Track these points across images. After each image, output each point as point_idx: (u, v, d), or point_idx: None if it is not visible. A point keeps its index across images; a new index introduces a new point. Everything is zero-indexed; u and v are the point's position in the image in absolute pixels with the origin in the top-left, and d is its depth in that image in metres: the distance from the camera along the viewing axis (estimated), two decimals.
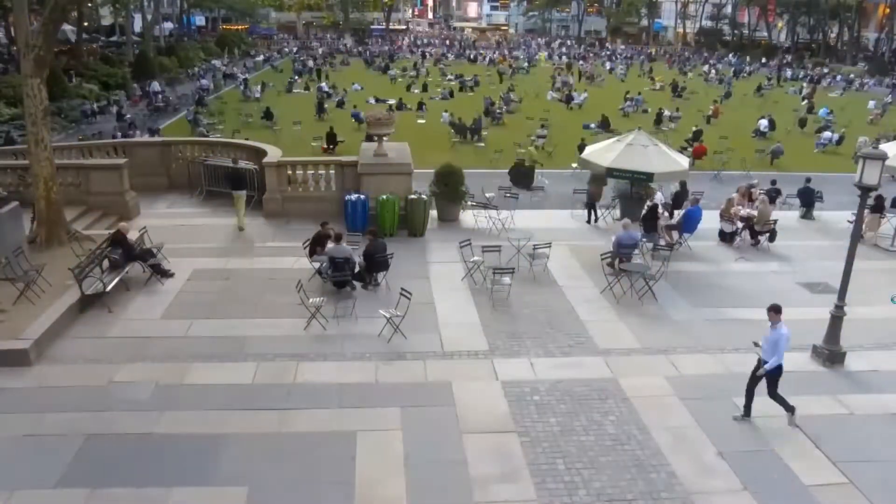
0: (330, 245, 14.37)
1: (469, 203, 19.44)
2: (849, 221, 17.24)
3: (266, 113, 34.91)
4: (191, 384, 10.82)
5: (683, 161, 18.64)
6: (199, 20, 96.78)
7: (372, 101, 41.51)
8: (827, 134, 33.59)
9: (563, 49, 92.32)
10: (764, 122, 35.46)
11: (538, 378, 11.18)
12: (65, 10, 17.46)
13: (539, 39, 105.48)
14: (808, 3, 78.35)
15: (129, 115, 35.00)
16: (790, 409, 10.12)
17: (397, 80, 56.01)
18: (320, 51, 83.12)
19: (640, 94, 45.35)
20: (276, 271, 15.08)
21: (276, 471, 8.87)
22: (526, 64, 71.10)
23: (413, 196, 17.83)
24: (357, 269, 14.25)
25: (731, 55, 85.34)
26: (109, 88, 43.48)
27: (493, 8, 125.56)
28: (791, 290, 15.17)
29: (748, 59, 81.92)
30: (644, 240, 16.44)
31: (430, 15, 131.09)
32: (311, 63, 65.20)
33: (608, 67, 71.80)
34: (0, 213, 13.97)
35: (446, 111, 37.11)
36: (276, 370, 11.24)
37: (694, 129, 33.22)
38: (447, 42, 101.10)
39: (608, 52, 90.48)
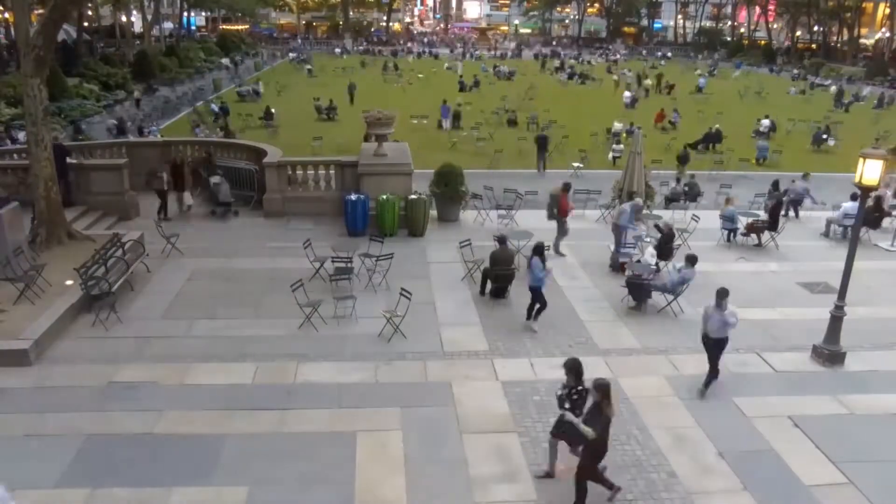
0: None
1: (471, 203, 19.47)
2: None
3: (266, 113, 34.87)
4: (191, 384, 10.83)
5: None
6: (200, 20, 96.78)
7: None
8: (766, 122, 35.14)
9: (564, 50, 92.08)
10: (766, 122, 35.42)
11: (538, 378, 11.17)
12: (65, 10, 17.41)
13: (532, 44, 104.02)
14: (809, 3, 78.35)
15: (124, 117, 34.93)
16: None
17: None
18: (337, 51, 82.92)
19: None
20: (276, 271, 15.08)
21: (276, 471, 8.87)
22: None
23: (413, 196, 17.84)
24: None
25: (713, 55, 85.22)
26: (109, 88, 43.49)
27: (494, 9, 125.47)
28: (791, 290, 15.18)
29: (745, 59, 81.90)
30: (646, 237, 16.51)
31: (431, 16, 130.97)
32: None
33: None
34: (0, 212, 13.97)
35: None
36: (276, 370, 11.24)
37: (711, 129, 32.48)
38: (446, 43, 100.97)
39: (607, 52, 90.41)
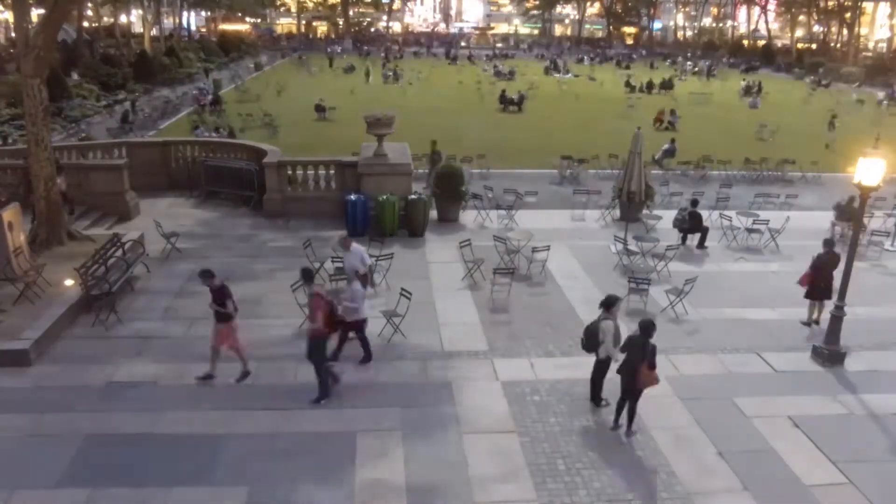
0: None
1: (471, 203, 19.46)
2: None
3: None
4: (191, 384, 10.83)
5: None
6: (200, 21, 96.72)
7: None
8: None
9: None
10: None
11: (538, 378, 11.18)
12: (65, 10, 17.40)
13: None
14: (809, 2, 78.32)
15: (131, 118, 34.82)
16: None
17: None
18: (338, 49, 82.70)
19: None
20: (275, 271, 15.08)
21: (276, 471, 8.87)
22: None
23: (413, 196, 17.85)
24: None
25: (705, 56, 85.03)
26: (109, 88, 43.45)
27: (493, 9, 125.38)
28: (791, 290, 15.14)
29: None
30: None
31: (431, 16, 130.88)
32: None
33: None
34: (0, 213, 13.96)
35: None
36: (276, 370, 11.24)
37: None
38: (444, 42, 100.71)
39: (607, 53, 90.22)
